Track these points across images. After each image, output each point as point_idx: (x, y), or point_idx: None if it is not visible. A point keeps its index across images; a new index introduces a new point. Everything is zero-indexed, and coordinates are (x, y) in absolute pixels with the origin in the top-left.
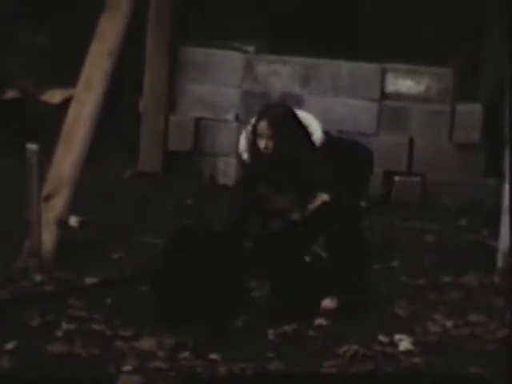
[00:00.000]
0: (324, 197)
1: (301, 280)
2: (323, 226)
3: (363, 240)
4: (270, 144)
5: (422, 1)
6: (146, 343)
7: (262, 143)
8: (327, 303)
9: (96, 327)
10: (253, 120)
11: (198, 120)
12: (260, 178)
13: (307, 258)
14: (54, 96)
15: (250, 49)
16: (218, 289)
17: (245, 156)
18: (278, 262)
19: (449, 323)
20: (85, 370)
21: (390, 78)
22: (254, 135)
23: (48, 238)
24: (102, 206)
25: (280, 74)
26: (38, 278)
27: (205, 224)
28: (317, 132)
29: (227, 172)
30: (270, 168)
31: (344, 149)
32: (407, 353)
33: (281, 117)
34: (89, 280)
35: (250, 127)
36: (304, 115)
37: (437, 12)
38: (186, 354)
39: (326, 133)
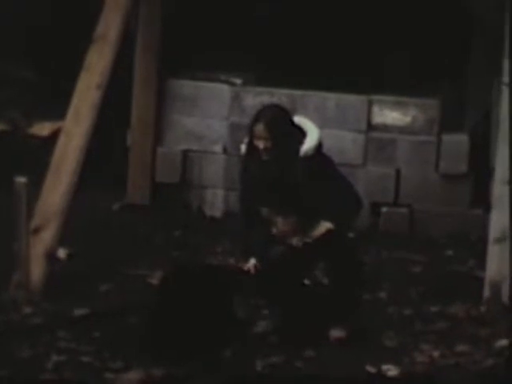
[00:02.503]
0: (328, 225)
1: (302, 305)
2: (324, 252)
3: (362, 268)
4: (269, 144)
5: (406, 32)
6: (135, 375)
7: (260, 144)
8: (336, 332)
9: (85, 359)
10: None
11: (185, 152)
12: (256, 179)
13: (308, 283)
14: (43, 128)
15: (238, 81)
16: (207, 320)
17: (243, 151)
18: (278, 288)
19: (436, 353)
20: None
21: (376, 109)
22: (251, 136)
23: (37, 270)
24: (91, 238)
25: None
26: (27, 310)
27: (196, 257)
28: (307, 144)
29: (215, 203)
30: (268, 169)
31: (334, 181)
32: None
33: (277, 118)
34: (77, 312)
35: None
36: (308, 125)
37: (421, 43)
38: None
39: (323, 155)
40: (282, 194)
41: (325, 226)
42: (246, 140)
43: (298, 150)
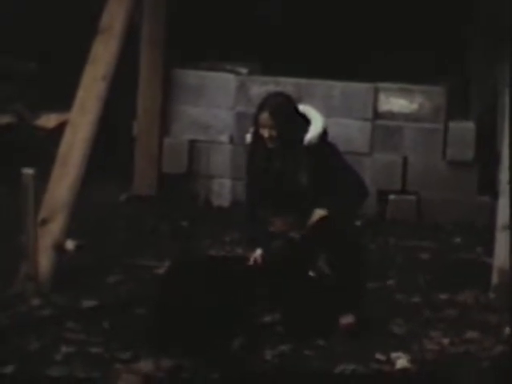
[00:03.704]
0: (321, 212)
1: (307, 298)
2: (324, 241)
3: (364, 256)
4: (274, 133)
5: (411, 20)
6: (144, 365)
7: (265, 133)
8: (346, 319)
9: (94, 350)
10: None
11: (192, 142)
12: (262, 169)
13: (312, 274)
14: (49, 120)
15: (243, 70)
16: (214, 311)
17: (248, 141)
18: (282, 281)
19: (445, 340)
20: None
21: (382, 97)
22: (257, 125)
23: (45, 262)
24: (98, 229)
25: None
26: (36, 302)
27: (201, 248)
28: (311, 132)
29: (222, 193)
30: (273, 158)
31: (339, 168)
32: (404, 371)
33: (281, 106)
34: (86, 303)
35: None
36: (313, 114)
37: (426, 31)
38: (185, 375)
39: (329, 143)
40: (285, 195)
41: (318, 213)
42: (251, 129)
43: (302, 139)
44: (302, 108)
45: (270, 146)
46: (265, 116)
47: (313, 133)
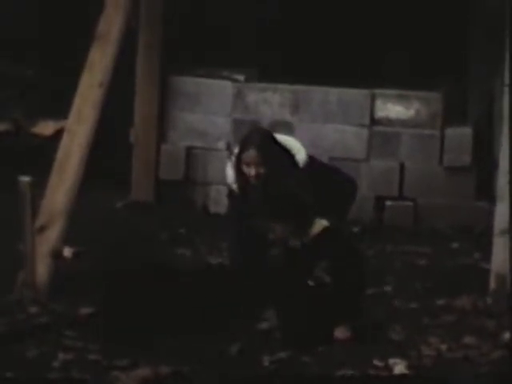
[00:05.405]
0: (324, 223)
1: (306, 305)
2: (325, 250)
3: (363, 263)
4: (262, 170)
5: (406, 27)
6: (142, 372)
7: (251, 171)
8: (341, 334)
9: (92, 357)
10: (236, 150)
11: (189, 149)
12: (252, 208)
13: (311, 283)
14: (46, 128)
15: (240, 77)
16: (212, 317)
17: (234, 187)
18: (282, 289)
19: (443, 346)
20: None
21: (379, 103)
22: (240, 164)
23: (42, 269)
24: (95, 236)
25: (270, 101)
26: (33, 309)
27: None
28: (300, 153)
29: (219, 200)
30: (263, 195)
31: (327, 173)
32: (402, 377)
33: (266, 142)
34: (83, 311)
35: (234, 158)
36: (286, 138)
37: (421, 38)
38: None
39: (310, 156)
40: (281, 205)
41: (321, 224)
42: (229, 167)
43: (294, 163)
44: (278, 136)
45: (255, 183)
46: (251, 154)
47: (301, 153)
